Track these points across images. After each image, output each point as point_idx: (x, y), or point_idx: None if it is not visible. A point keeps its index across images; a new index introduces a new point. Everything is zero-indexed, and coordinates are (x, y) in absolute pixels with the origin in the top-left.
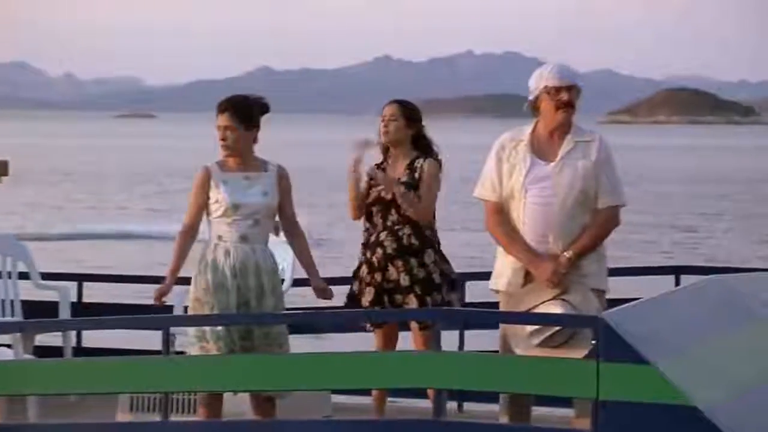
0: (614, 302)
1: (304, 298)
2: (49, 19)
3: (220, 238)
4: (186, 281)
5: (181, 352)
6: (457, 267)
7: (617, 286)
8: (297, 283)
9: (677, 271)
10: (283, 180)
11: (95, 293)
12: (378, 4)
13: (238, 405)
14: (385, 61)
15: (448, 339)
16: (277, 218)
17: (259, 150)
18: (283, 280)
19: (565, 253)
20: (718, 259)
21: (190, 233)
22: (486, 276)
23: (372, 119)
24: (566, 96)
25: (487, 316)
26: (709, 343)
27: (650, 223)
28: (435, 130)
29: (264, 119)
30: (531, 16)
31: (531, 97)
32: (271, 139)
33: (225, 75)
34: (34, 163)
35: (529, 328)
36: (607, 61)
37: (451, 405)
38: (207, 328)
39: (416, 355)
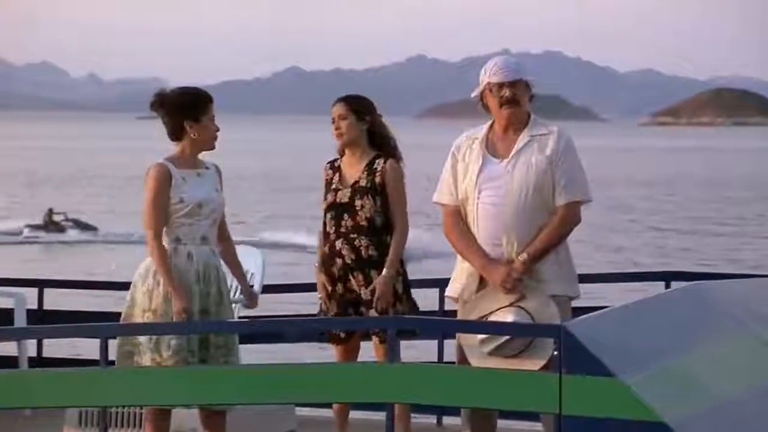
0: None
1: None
2: (71, 19)
3: (178, 240)
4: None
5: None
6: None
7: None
8: (266, 289)
9: (668, 277)
10: (221, 178)
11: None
12: (411, 3)
13: (182, 422)
14: (419, 61)
15: (430, 349)
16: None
17: (292, 153)
18: (252, 286)
19: (519, 257)
20: (763, 267)
21: (162, 239)
22: None
23: (406, 121)
24: (508, 92)
25: (441, 324)
26: (681, 355)
27: (687, 229)
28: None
29: (294, 121)
30: (571, 16)
31: (473, 94)
32: (302, 142)
33: (253, 75)
34: (56, 165)
35: (480, 335)
36: (649, 60)
37: (430, 419)
38: (163, 340)
39: (366, 367)
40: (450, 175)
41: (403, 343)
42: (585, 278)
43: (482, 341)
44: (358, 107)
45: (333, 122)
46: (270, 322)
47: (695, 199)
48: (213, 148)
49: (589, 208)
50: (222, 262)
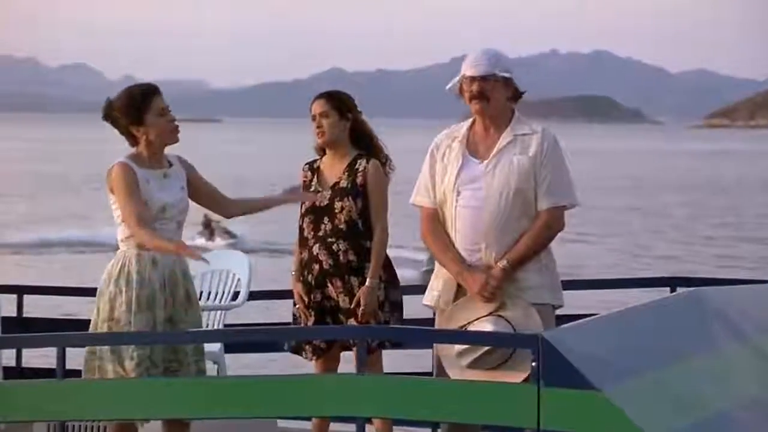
0: None
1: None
2: (106, 20)
3: (142, 246)
4: None
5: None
6: None
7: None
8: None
9: (672, 282)
10: (187, 169)
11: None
12: (457, 2)
13: None
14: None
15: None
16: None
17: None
18: (238, 293)
19: (498, 264)
20: None
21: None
22: None
23: (451, 123)
24: (476, 87)
25: (416, 334)
26: (668, 365)
27: (733, 236)
28: None
29: None
30: (622, 15)
31: (448, 86)
32: None
33: (294, 77)
34: (90, 168)
35: (458, 347)
36: (703, 60)
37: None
38: (126, 351)
39: (332, 379)
40: (428, 176)
41: (398, 352)
42: (582, 285)
43: (460, 353)
44: (341, 104)
45: (314, 120)
46: (240, 332)
47: (745, 204)
48: (175, 141)
49: (633, 214)
50: (190, 266)
